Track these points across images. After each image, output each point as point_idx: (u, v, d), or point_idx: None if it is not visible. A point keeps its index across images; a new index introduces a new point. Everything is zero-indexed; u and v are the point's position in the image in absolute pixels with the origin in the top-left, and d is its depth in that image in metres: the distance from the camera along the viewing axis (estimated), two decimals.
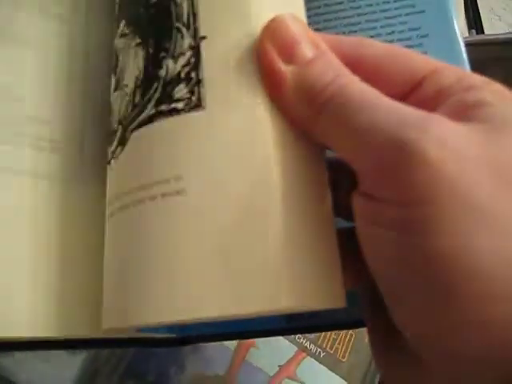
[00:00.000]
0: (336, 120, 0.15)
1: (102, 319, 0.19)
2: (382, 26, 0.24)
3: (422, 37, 0.24)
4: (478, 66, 0.56)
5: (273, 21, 0.17)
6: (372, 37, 0.25)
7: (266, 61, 0.16)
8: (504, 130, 0.14)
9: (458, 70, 0.17)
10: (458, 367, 0.14)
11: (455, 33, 0.24)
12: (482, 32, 0.62)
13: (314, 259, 0.16)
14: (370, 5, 0.25)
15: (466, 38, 0.60)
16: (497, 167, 0.14)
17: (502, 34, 0.59)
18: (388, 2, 0.24)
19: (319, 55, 0.16)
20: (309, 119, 0.16)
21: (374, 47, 0.17)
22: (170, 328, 0.25)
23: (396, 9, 0.24)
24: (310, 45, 0.17)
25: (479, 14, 0.62)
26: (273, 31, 0.16)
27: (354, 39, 0.18)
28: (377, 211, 0.15)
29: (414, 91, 0.17)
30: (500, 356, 0.13)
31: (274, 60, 0.16)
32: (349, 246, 0.19)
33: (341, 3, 0.26)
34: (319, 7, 0.26)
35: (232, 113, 0.16)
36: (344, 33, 0.26)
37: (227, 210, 0.16)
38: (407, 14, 0.24)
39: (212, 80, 0.17)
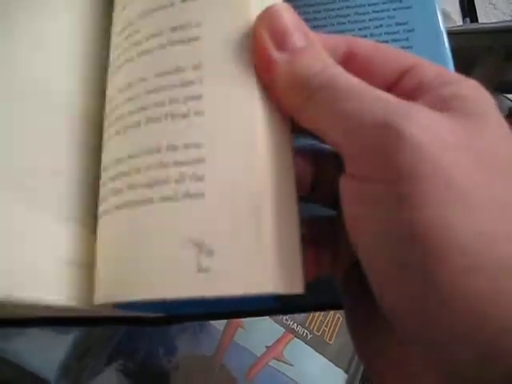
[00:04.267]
0: (324, 106, 0.16)
1: (96, 294, 0.19)
2: (370, 20, 0.25)
3: (409, 31, 0.24)
4: (471, 54, 0.57)
5: (268, 9, 0.18)
6: (360, 29, 0.25)
7: (260, 46, 0.17)
8: (479, 120, 0.15)
9: (436, 67, 0.18)
10: (440, 345, 0.15)
11: (440, 29, 0.24)
12: (477, 20, 0.62)
13: (281, 245, 0.17)
14: None
15: (459, 26, 0.60)
16: (473, 152, 0.15)
17: (495, 22, 0.59)
18: None
19: (309, 46, 0.17)
20: (298, 105, 0.17)
21: (363, 44, 0.19)
22: (156, 307, 0.25)
23: (384, 3, 0.25)
24: (302, 35, 0.17)
25: (473, 2, 0.62)
26: (268, 19, 0.17)
27: (345, 37, 0.19)
28: (364, 190, 0.16)
29: (396, 84, 0.18)
30: (476, 330, 0.14)
31: (267, 46, 0.17)
32: (326, 234, 0.20)
33: None
34: None
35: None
36: (333, 24, 0.26)
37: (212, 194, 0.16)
38: (395, 9, 0.25)
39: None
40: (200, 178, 0.17)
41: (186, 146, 0.17)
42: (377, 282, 0.16)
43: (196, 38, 0.18)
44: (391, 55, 0.18)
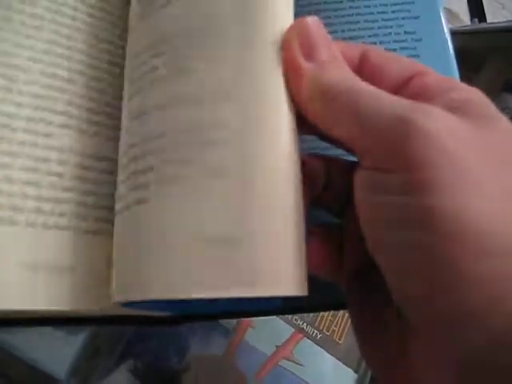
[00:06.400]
0: (345, 108, 0.17)
1: (114, 293, 0.19)
2: (379, 27, 0.26)
3: (417, 41, 0.25)
4: (479, 53, 0.57)
5: (299, 22, 0.19)
6: (370, 36, 0.26)
7: (290, 55, 0.19)
8: (489, 121, 0.17)
9: (441, 75, 0.19)
10: (452, 332, 0.15)
11: (446, 39, 0.25)
12: (485, 20, 0.62)
13: (301, 248, 0.18)
14: (368, 6, 0.26)
15: (467, 26, 0.60)
16: (485, 146, 0.16)
17: (503, 22, 0.59)
18: (386, 5, 0.26)
19: (334, 59, 0.19)
20: (321, 108, 0.18)
21: (374, 50, 0.20)
22: (166, 306, 0.25)
23: (393, 12, 0.25)
24: (328, 49, 0.19)
25: (482, 2, 0.62)
26: (299, 31, 0.19)
27: (359, 44, 0.21)
28: (380, 180, 0.16)
29: (403, 87, 0.19)
30: (489, 313, 0.14)
31: (297, 55, 0.19)
32: (331, 242, 0.21)
33: (340, 2, 0.27)
34: (319, 4, 0.27)
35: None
36: (343, 31, 0.27)
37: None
38: (403, 18, 0.25)
39: None
40: (224, 172, 0.17)
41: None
42: (391, 270, 0.17)
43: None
44: (400, 61, 0.20)
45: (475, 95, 0.18)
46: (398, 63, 0.20)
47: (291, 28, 0.19)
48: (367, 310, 0.20)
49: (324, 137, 0.22)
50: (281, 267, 0.17)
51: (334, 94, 0.18)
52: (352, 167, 0.18)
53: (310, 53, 0.19)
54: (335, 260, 0.21)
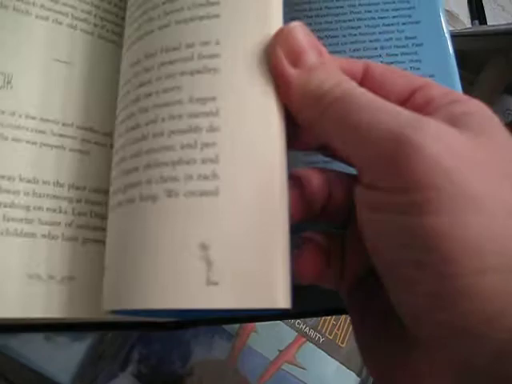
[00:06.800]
0: (338, 119, 0.17)
1: (104, 301, 0.19)
2: (380, 32, 0.26)
3: (417, 45, 0.25)
4: (480, 57, 0.57)
5: (283, 28, 0.19)
6: (371, 41, 0.26)
7: (276, 64, 0.18)
8: (488, 135, 0.16)
9: (444, 87, 0.19)
10: (454, 343, 0.15)
11: (447, 44, 0.25)
12: (485, 23, 0.62)
13: (285, 261, 0.17)
14: (369, 11, 0.26)
15: (468, 28, 0.61)
16: (482, 162, 0.16)
17: (504, 24, 0.59)
18: (386, 10, 0.26)
19: (323, 63, 0.19)
20: (313, 118, 0.18)
21: (378, 65, 0.20)
22: (166, 312, 0.25)
23: (394, 17, 0.26)
24: (316, 53, 0.19)
25: (482, 4, 0.62)
26: (283, 37, 0.18)
27: (361, 60, 0.20)
28: (379, 199, 0.16)
29: (407, 102, 0.19)
30: (490, 328, 0.14)
31: (283, 63, 0.18)
32: (332, 251, 0.21)
33: (341, 7, 0.27)
34: (320, 9, 0.27)
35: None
36: (344, 36, 0.27)
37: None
38: (404, 24, 0.25)
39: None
40: (213, 178, 0.17)
41: (203, 161, 0.17)
42: (394, 285, 0.17)
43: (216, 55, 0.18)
44: (403, 75, 0.20)
45: (477, 108, 0.18)
46: (401, 77, 0.20)
47: (276, 35, 0.19)
48: (368, 318, 0.20)
49: (323, 150, 0.21)
50: (264, 281, 0.17)
51: (328, 101, 0.17)
52: (353, 180, 0.18)
53: (296, 59, 0.18)
54: (336, 268, 0.21)
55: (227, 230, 0.17)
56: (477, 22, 0.62)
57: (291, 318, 0.42)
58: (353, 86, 0.18)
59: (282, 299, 0.17)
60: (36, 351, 0.37)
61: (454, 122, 0.16)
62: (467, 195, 0.15)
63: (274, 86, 0.18)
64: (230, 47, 0.18)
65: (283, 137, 0.18)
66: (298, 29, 0.19)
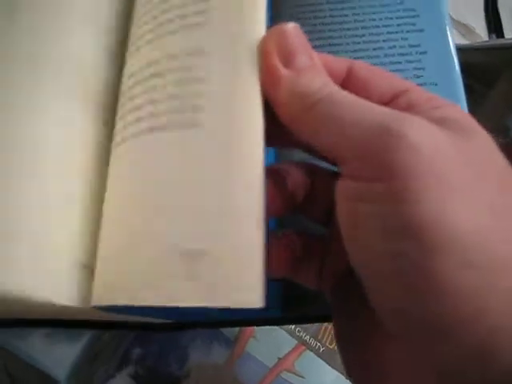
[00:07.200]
0: (323, 117, 0.17)
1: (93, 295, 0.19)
2: (384, 40, 0.26)
3: (421, 53, 0.25)
4: (495, 69, 0.56)
5: (278, 28, 0.19)
6: (374, 49, 0.26)
7: (267, 61, 0.19)
8: (468, 134, 0.17)
9: (428, 93, 0.19)
10: (430, 342, 0.15)
11: (451, 52, 0.25)
12: (503, 36, 0.62)
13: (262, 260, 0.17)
14: (374, 19, 0.26)
15: (484, 42, 0.60)
16: (464, 157, 0.16)
17: None
18: (390, 19, 0.26)
19: (312, 66, 0.19)
20: (298, 116, 0.18)
21: (362, 65, 0.20)
22: (159, 313, 0.25)
23: (398, 25, 0.26)
24: (307, 56, 0.19)
25: (499, 17, 0.62)
26: (277, 37, 0.19)
27: (345, 59, 0.21)
28: (361, 189, 0.16)
29: (389, 104, 0.19)
30: (469, 326, 0.14)
31: (275, 62, 0.18)
32: (313, 249, 0.21)
33: (345, 16, 0.27)
34: (325, 17, 0.28)
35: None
36: (348, 44, 0.27)
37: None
38: (408, 32, 0.25)
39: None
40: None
41: None
42: (372, 279, 0.17)
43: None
44: (387, 78, 0.20)
45: (459, 114, 0.18)
46: (385, 79, 0.20)
47: (270, 34, 0.19)
48: (348, 317, 0.20)
49: (304, 148, 0.22)
50: (241, 279, 0.16)
51: (313, 101, 0.18)
52: (335, 177, 0.18)
53: (287, 59, 0.19)
54: (315, 268, 0.21)
55: (206, 232, 0.17)
56: (494, 35, 0.62)
57: (290, 323, 0.42)
58: (336, 89, 0.18)
59: (251, 298, 0.17)
60: (31, 345, 0.38)
61: (436, 122, 0.17)
62: (450, 186, 0.15)
63: (259, 80, 0.19)
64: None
65: (263, 130, 0.18)
66: (292, 30, 0.19)
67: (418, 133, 0.16)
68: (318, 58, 0.19)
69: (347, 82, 0.20)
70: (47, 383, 0.37)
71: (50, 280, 0.18)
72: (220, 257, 0.16)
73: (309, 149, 0.21)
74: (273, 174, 0.21)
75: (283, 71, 0.18)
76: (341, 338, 0.21)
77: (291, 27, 0.19)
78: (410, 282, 0.15)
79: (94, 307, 0.19)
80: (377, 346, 0.18)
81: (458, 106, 0.18)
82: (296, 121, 0.18)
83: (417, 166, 0.15)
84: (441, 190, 0.15)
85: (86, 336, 0.38)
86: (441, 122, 0.17)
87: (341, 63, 0.20)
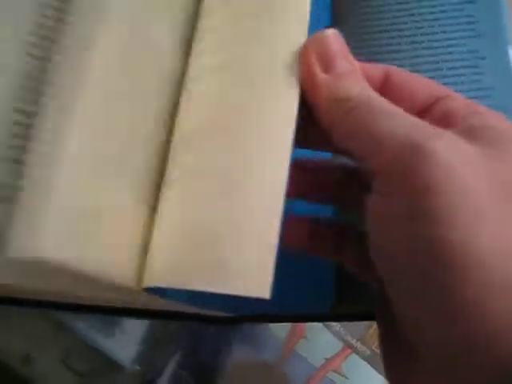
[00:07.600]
0: (359, 123, 0.18)
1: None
2: (442, 47, 0.26)
3: (480, 59, 0.26)
4: None
5: (318, 34, 0.20)
6: (432, 56, 0.27)
7: (307, 67, 0.19)
8: (504, 148, 0.16)
9: (465, 99, 0.19)
10: (452, 358, 0.15)
11: (509, 57, 0.26)
12: None
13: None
14: (432, 26, 0.27)
15: None
16: (496, 179, 0.16)
17: None
18: (450, 25, 0.26)
19: (351, 72, 0.19)
20: (337, 120, 0.19)
21: (399, 72, 0.21)
22: (214, 303, 0.25)
23: (456, 31, 0.26)
24: (346, 62, 0.19)
25: None
26: (317, 43, 0.19)
27: (383, 65, 0.21)
28: (391, 206, 0.16)
29: (426, 111, 0.19)
30: (493, 347, 0.14)
31: (314, 68, 0.19)
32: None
33: (405, 23, 0.28)
34: (386, 25, 0.28)
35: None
36: (408, 51, 0.27)
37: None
38: (467, 37, 0.26)
39: None
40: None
41: None
42: (397, 295, 0.17)
43: None
44: (425, 84, 0.20)
45: (496, 121, 0.18)
46: (422, 86, 0.20)
47: (310, 40, 0.20)
48: (391, 331, 0.20)
49: (341, 152, 0.21)
50: (250, 268, 0.17)
51: (352, 105, 0.18)
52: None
53: (327, 65, 0.19)
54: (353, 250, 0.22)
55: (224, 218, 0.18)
56: None
57: (331, 321, 0.42)
58: (374, 95, 0.18)
59: (257, 288, 0.17)
60: (97, 331, 0.39)
61: (471, 133, 0.17)
62: (477, 207, 0.15)
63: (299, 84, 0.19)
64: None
65: (295, 126, 0.19)
66: (332, 36, 0.20)
67: (448, 150, 0.16)
68: (356, 63, 0.20)
69: (384, 89, 0.20)
70: (112, 369, 0.38)
71: (120, 257, 0.19)
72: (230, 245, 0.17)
73: (348, 155, 0.21)
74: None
75: (323, 76, 0.19)
76: (382, 339, 0.21)
77: (331, 33, 0.20)
78: (433, 301, 0.15)
79: (149, 289, 0.19)
80: (415, 365, 0.18)
81: (502, 116, 0.18)
82: (335, 125, 0.19)
83: (446, 184, 0.15)
84: (470, 210, 0.15)
85: (145, 325, 0.40)
86: (476, 132, 0.17)
87: (378, 69, 0.21)
